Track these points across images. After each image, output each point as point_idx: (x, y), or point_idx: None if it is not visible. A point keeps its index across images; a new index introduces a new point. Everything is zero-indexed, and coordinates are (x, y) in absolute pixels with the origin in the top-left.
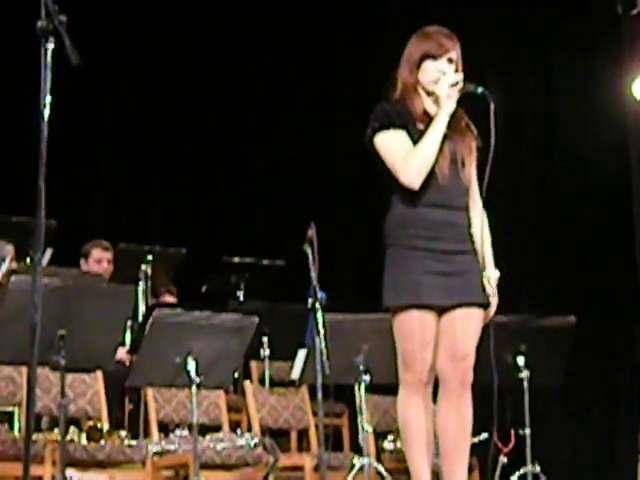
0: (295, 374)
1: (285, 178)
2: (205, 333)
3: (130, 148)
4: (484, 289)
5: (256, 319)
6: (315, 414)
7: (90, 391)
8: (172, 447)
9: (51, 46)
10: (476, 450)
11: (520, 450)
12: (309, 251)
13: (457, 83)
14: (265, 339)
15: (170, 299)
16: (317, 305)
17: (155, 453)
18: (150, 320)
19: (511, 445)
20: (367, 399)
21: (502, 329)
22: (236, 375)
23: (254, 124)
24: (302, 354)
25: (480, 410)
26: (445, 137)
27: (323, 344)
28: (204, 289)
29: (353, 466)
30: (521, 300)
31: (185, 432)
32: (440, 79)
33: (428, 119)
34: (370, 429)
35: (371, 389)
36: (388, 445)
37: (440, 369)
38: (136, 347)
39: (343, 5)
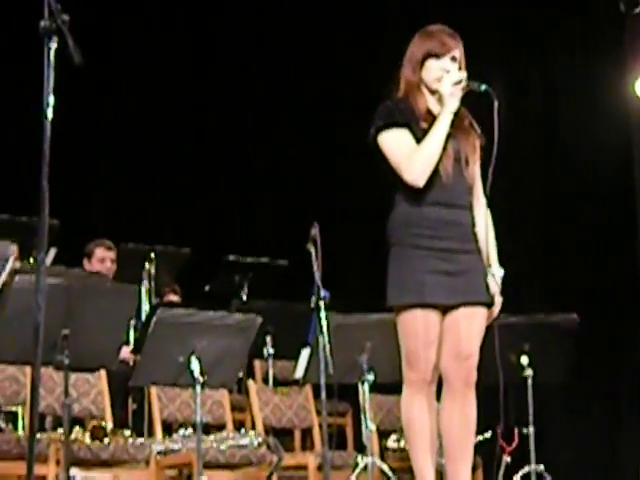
0: (299, 373)
1: (288, 177)
2: (209, 332)
3: (133, 147)
4: (488, 288)
5: (259, 318)
6: (319, 413)
7: (94, 390)
8: (176, 446)
9: (54, 45)
10: (480, 449)
11: (524, 449)
12: (312, 250)
13: (461, 81)
14: (269, 338)
15: (174, 298)
16: (321, 304)
17: (159, 452)
18: (154, 319)
19: (515, 444)
20: (371, 398)
21: (506, 328)
22: (240, 374)
23: (257, 123)
24: (306, 353)
25: (483, 409)
26: (449, 136)
27: (327, 343)
28: (207, 288)
29: (357, 465)
30: (523, 300)
31: (189, 431)
32: (443, 77)
33: (431, 118)
34: (374, 428)
35: (375, 388)
36: (392, 444)
37: (444, 368)
38: (139, 346)
39: (344, 5)
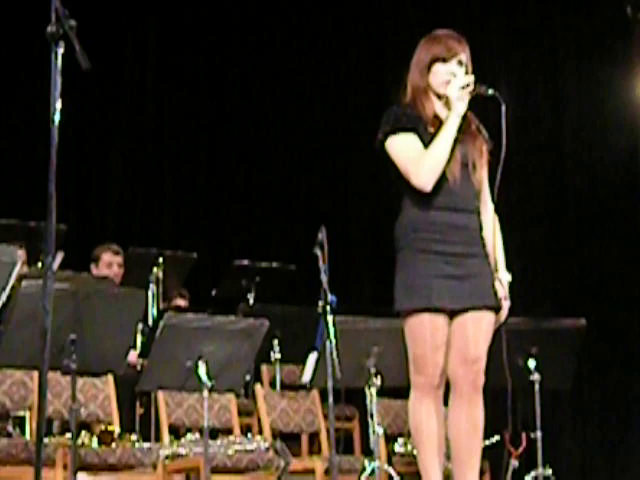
0: (306, 377)
1: (296, 182)
2: (216, 337)
3: (141, 152)
4: (495, 292)
5: (267, 323)
6: (326, 417)
7: (101, 395)
8: (183, 451)
9: (61, 51)
10: (487, 453)
11: (531, 453)
12: (319, 254)
13: (468, 85)
14: (276, 342)
15: (182, 303)
16: (328, 308)
17: (166, 457)
18: (161, 324)
19: (522, 448)
20: (378, 402)
21: (513, 332)
22: (247, 378)
23: (266, 128)
24: (313, 357)
25: (491, 413)
26: (456, 140)
27: (334, 347)
28: (215, 293)
29: (364, 469)
30: (531, 303)
31: (196, 436)
32: (451, 81)
33: (439, 123)
34: (381, 432)
35: (382, 392)
36: (399, 448)
37: (451, 372)
38: (147, 351)
39: (355, 11)
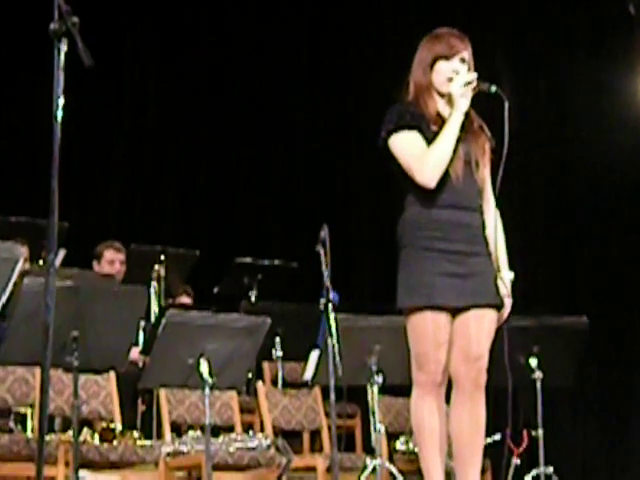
0: (308, 375)
1: (298, 179)
2: (218, 334)
3: (143, 149)
4: (498, 290)
5: (269, 320)
6: (328, 415)
7: (103, 392)
8: (185, 448)
9: (64, 48)
10: (489, 451)
11: (533, 451)
12: (321, 252)
13: (471, 82)
14: (278, 340)
15: (187, 300)
16: (330, 306)
17: (168, 454)
18: (163, 321)
19: (524, 446)
20: (380, 400)
21: (515, 331)
22: (249, 376)
23: (268, 126)
24: (315, 355)
25: (493, 411)
26: (459, 138)
27: (336, 345)
28: (217, 290)
29: (365, 467)
30: (533, 302)
31: (198, 433)
32: (454, 78)
33: (441, 121)
34: (383, 430)
35: (384, 390)
36: (401, 446)
37: (454, 370)
38: (149, 348)
39: (358, 10)
